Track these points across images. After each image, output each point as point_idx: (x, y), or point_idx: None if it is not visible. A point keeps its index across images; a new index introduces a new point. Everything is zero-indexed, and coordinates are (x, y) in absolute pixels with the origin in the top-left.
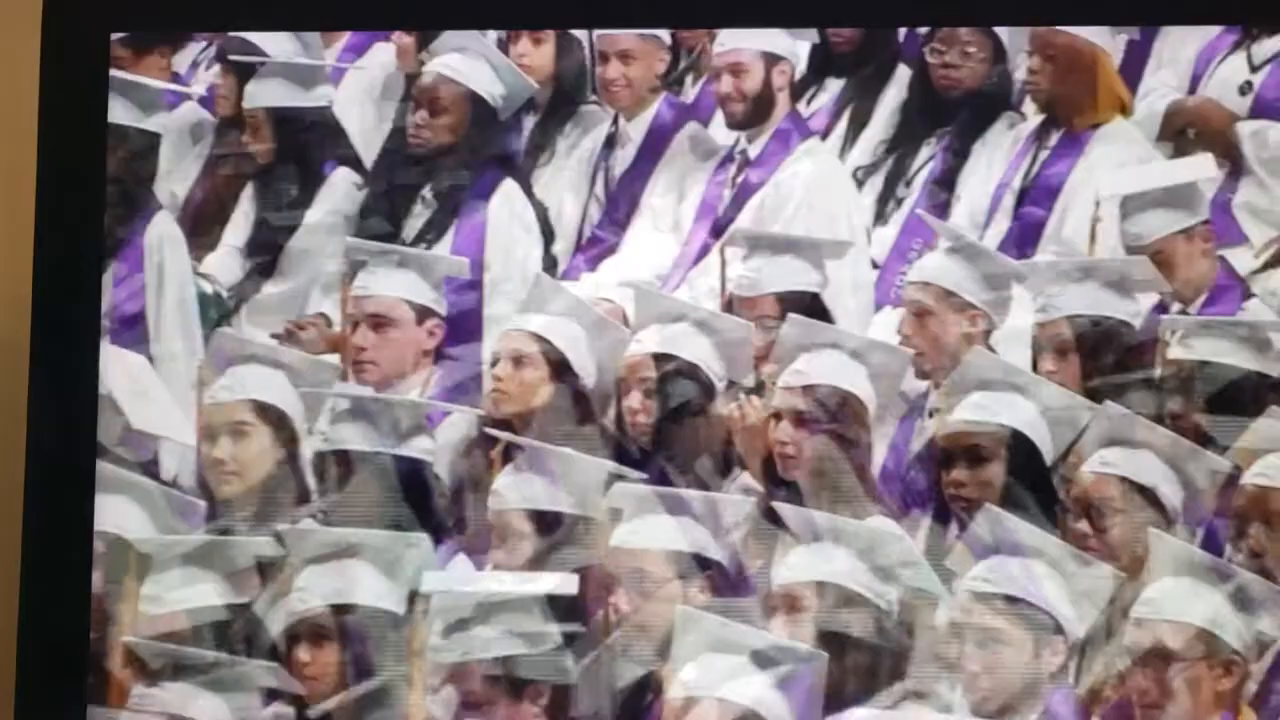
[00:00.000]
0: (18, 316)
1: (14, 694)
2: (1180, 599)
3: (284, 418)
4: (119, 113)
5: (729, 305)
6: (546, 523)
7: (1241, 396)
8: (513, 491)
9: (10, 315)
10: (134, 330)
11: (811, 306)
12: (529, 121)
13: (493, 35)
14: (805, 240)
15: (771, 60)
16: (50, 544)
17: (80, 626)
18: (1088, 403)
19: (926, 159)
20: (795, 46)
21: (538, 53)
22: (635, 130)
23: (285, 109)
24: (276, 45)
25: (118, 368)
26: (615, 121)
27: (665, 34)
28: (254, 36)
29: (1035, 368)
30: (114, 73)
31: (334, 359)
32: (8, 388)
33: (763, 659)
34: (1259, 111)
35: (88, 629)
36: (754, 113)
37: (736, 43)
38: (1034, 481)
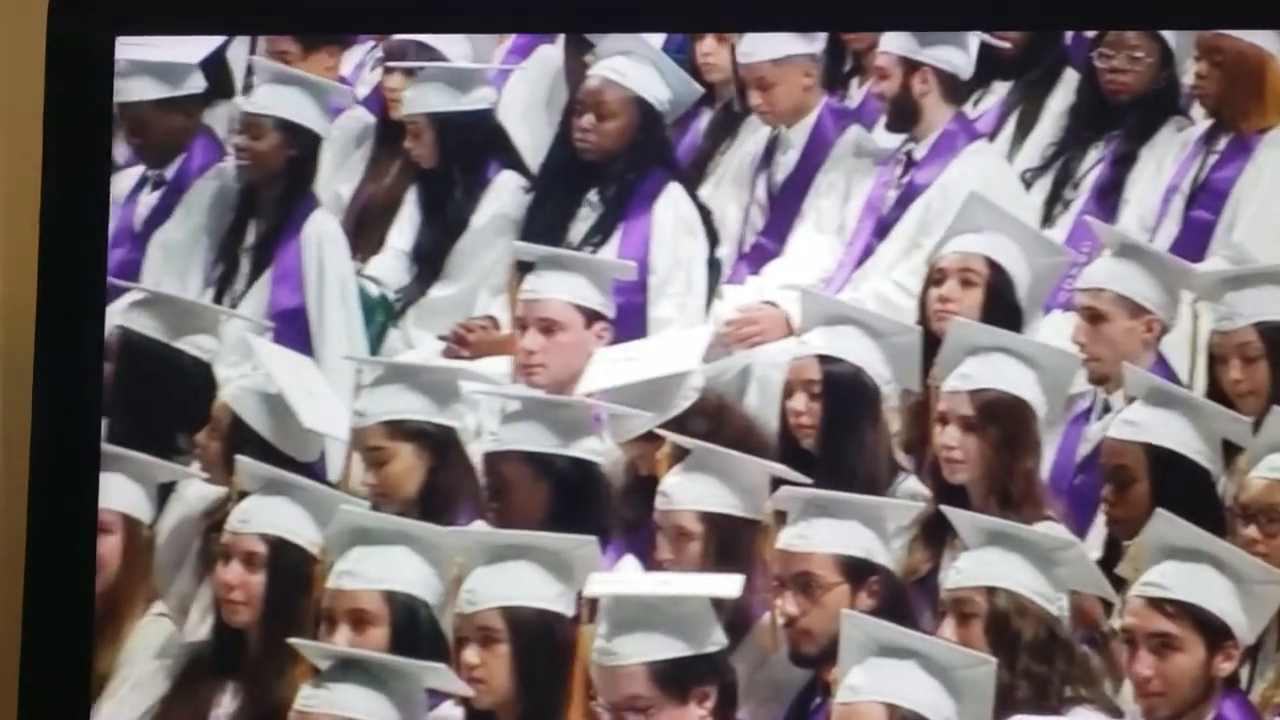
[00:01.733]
0: (21, 323)
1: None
2: None
3: (422, 432)
4: (288, 108)
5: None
6: (714, 524)
7: None
8: (681, 492)
9: (13, 321)
10: (294, 327)
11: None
12: (702, 122)
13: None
14: None
15: (911, 66)
16: (54, 549)
17: (82, 634)
18: (1239, 415)
19: (1094, 162)
20: (947, 53)
21: (722, 51)
22: (797, 136)
23: (445, 113)
24: (448, 47)
25: (286, 366)
26: (775, 127)
27: (809, 48)
28: (423, 38)
29: (1213, 377)
30: (284, 67)
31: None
32: (11, 392)
33: (931, 664)
34: None
35: (90, 636)
36: (902, 117)
37: (890, 46)
38: (1192, 493)
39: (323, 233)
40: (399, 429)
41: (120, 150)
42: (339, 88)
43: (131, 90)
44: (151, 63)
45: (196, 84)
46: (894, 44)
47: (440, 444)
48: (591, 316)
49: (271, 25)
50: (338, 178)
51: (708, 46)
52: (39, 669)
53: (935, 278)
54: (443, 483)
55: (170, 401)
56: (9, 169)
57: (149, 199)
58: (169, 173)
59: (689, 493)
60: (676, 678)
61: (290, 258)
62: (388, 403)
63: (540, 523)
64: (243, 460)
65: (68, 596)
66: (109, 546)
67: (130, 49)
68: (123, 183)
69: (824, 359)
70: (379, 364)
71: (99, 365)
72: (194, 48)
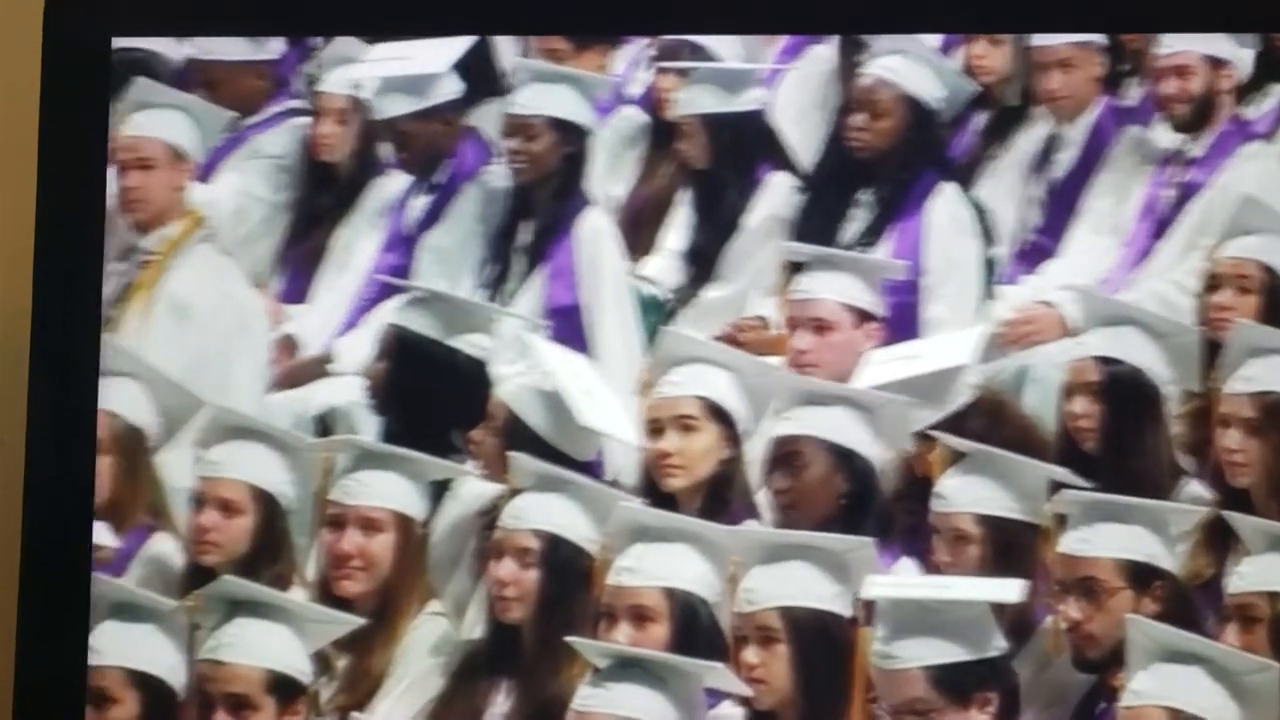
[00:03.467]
0: (17, 325)
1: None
2: None
3: (731, 418)
4: (557, 106)
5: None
6: (992, 527)
7: None
8: (958, 494)
9: (9, 323)
10: (569, 324)
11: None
12: (975, 124)
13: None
14: None
15: (1215, 64)
16: (51, 548)
17: (77, 634)
18: None
19: None
20: (1238, 51)
21: (995, 54)
22: (1075, 135)
23: (717, 115)
24: (720, 47)
25: (563, 364)
26: (1054, 125)
27: (1101, 38)
28: (697, 38)
29: None
30: (546, 65)
31: (777, 360)
32: (6, 394)
33: (1216, 669)
34: None
35: (85, 638)
36: (1197, 116)
37: (1180, 45)
38: None
39: (597, 230)
40: (713, 408)
41: (388, 160)
42: (603, 80)
43: (387, 106)
44: (399, 77)
45: (451, 89)
46: (1192, 42)
47: (737, 438)
48: (862, 316)
49: (274, 28)
50: (610, 178)
51: (980, 49)
52: (34, 671)
53: (1211, 284)
54: (726, 476)
55: (445, 399)
56: (5, 168)
57: (419, 203)
58: (439, 177)
59: (967, 495)
60: (957, 682)
61: (564, 255)
62: (702, 379)
63: (826, 514)
64: (517, 456)
65: (64, 596)
66: (381, 544)
67: (378, 66)
68: (392, 186)
69: (1103, 360)
70: (704, 344)
71: (95, 366)
72: (441, 54)
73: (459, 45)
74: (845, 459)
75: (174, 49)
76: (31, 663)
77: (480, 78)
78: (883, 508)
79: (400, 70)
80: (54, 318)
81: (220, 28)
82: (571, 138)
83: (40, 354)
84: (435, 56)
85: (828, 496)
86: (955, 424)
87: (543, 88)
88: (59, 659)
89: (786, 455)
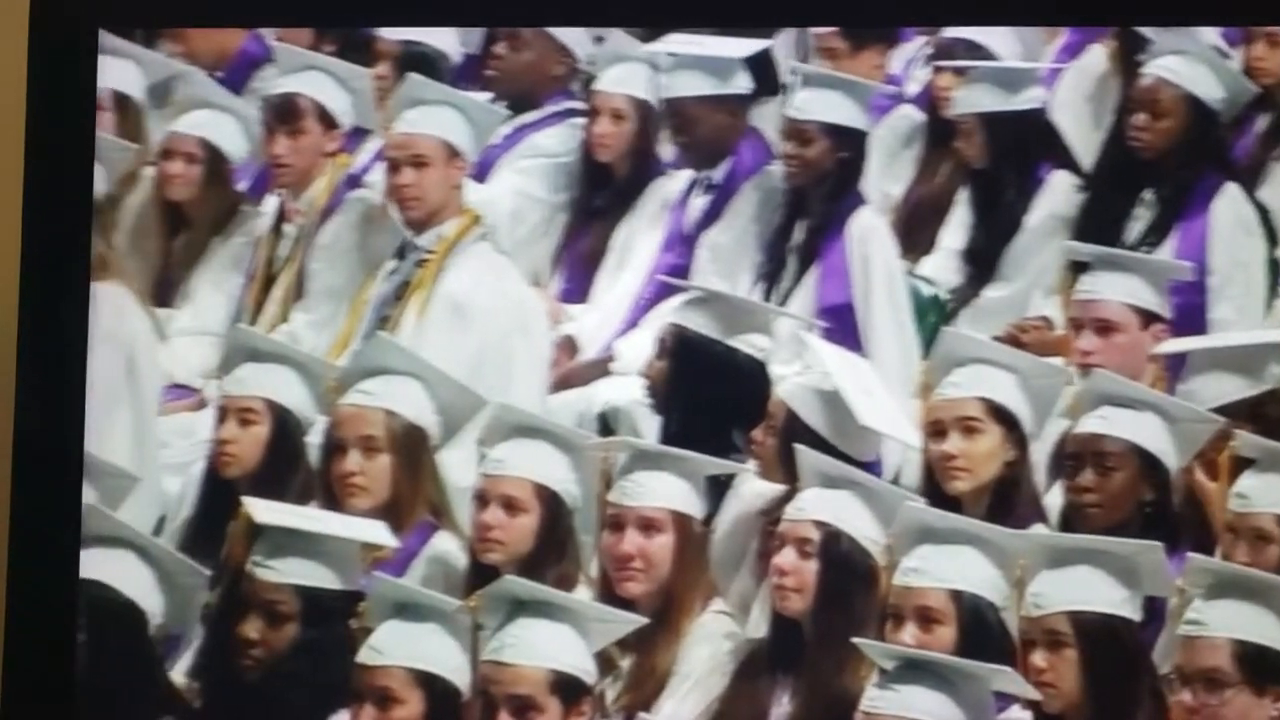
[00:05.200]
0: (4, 318)
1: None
2: None
3: (1015, 420)
4: (832, 112)
5: None
6: None
7: None
8: (1262, 494)
9: None
10: (843, 322)
11: None
12: (1258, 126)
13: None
14: None
15: None
16: (40, 542)
17: (67, 633)
18: None
19: None
20: None
21: (1276, 56)
22: None
23: (996, 113)
24: (998, 44)
25: (842, 364)
26: None
27: None
28: (972, 33)
29: None
30: (822, 70)
31: (1061, 362)
32: None
33: None
34: None
35: (73, 641)
36: None
37: None
38: None
39: (867, 228)
40: (996, 410)
41: (667, 150)
42: (881, 87)
43: (680, 84)
44: (697, 56)
45: (742, 83)
46: None
47: (1023, 440)
48: (1148, 318)
49: (266, 21)
50: (886, 177)
51: (1260, 51)
52: (22, 672)
53: None
54: (1011, 478)
55: (725, 399)
56: None
57: (699, 202)
58: (717, 175)
59: (1271, 495)
60: (1263, 666)
61: (836, 254)
62: (985, 380)
63: (1125, 520)
64: (804, 452)
65: (51, 599)
66: (660, 545)
67: (672, 45)
68: (672, 186)
69: None
70: (986, 345)
71: (83, 361)
72: (734, 46)
73: (750, 44)
74: (1151, 467)
75: (453, 45)
76: (19, 654)
77: (762, 78)
78: (1173, 515)
79: (696, 50)
80: (41, 310)
81: (209, 19)
82: (846, 143)
83: (26, 347)
84: (730, 48)
85: (1131, 502)
86: (1255, 408)
87: (819, 93)
88: (47, 645)
89: (1096, 455)
